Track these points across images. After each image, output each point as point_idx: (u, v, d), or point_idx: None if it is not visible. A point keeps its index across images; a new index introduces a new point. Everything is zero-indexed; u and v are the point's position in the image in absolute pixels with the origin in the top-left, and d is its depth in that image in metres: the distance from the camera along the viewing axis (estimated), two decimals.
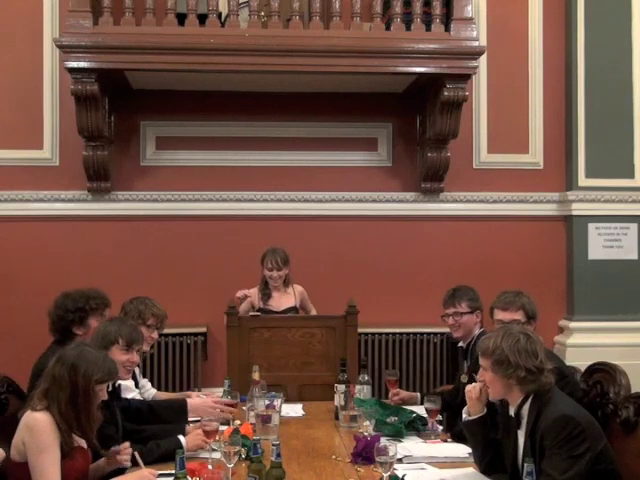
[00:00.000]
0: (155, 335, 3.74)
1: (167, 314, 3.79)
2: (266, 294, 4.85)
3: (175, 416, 3.31)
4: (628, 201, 5.64)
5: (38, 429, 2.44)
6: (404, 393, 3.89)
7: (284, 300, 4.88)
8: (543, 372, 2.66)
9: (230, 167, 5.66)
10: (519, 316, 3.39)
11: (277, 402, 3.42)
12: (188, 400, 3.46)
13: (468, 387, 2.89)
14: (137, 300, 3.72)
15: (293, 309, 4.86)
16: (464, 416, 2.90)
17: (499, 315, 3.48)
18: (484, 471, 2.84)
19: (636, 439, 2.87)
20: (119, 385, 3.10)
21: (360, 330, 4.67)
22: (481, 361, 2.78)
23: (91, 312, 3.45)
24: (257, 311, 4.78)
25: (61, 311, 3.45)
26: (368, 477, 2.78)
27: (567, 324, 5.61)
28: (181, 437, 3.02)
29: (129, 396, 3.40)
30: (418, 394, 3.90)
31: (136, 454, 2.72)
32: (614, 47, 5.59)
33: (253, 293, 4.90)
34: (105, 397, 2.65)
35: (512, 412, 2.75)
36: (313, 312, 4.95)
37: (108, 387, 2.74)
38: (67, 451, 2.51)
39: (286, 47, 4.96)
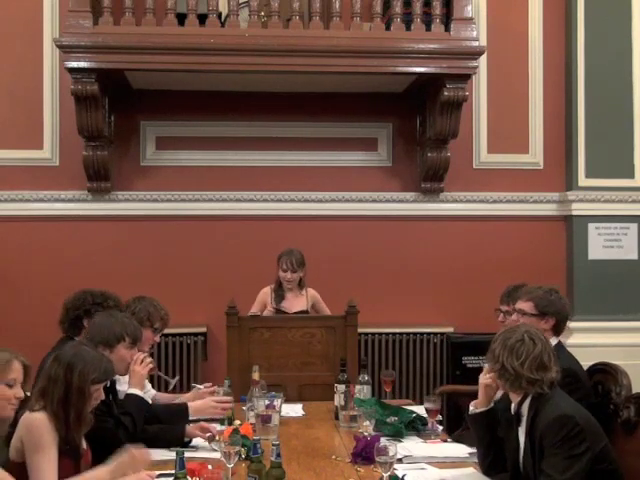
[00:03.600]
0: (157, 338, 3.76)
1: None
2: (280, 295, 4.81)
3: (176, 419, 3.33)
4: (628, 201, 5.64)
5: (35, 429, 2.44)
6: None
7: (296, 302, 4.83)
8: (521, 378, 2.63)
9: (230, 167, 5.66)
10: (527, 307, 3.36)
11: (277, 402, 3.42)
12: (189, 403, 3.47)
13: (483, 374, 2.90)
14: (145, 301, 3.70)
15: (304, 312, 4.80)
16: (471, 408, 2.90)
17: (517, 304, 3.46)
18: (486, 471, 2.83)
19: (637, 439, 2.87)
20: (114, 381, 3.11)
21: (360, 330, 4.68)
22: None
23: (106, 310, 3.42)
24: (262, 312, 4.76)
25: (79, 301, 3.48)
26: (368, 477, 2.78)
27: (567, 324, 5.59)
28: (132, 390, 3.16)
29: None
30: None
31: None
32: (614, 47, 5.59)
33: (267, 292, 4.86)
34: (102, 397, 2.65)
35: (512, 410, 2.75)
36: (327, 313, 4.85)
37: (106, 385, 2.74)
38: (66, 451, 2.50)
39: (286, 47, 4.96)
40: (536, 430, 2.61)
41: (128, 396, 3.15)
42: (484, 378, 2.85)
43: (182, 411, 3.41)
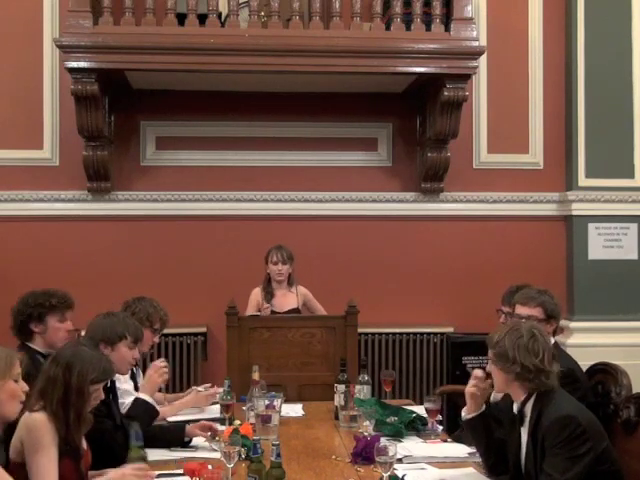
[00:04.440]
0: (157, 339, 3.77)
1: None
2: (269, 293, 4.85)
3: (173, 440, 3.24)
4: (628, 201, 5.64)
5: (35, 429, 2.43)
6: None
7: (287, 300, 4.88)
8: (542, 373, 2.64)
9: (230, 167, 5.66)
10: (537, 313, 3.35)
11: (277, 402, 3.42)
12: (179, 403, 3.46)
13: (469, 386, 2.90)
14: (145, 301, 3.71)
15: (295, 311, 4.85)
16: (463, 414, 2.91)
17: (518, 309, 3.45)
18: (490, 473, 2.83)
19: (637, 439, 2.87)
20: (114, 382, 3.10)
21: (360, 330, 4.68)
22: (489, 352, 2.77)
23: (50, 310, 3.38)
24: (260, 311, 4.78)
25: (21, 305, 3.41)
26: (368, 477, 2.78)
27: (567, 324, 5.61)
28: (142, 395, 3.16)
29: (127, 400, 3.40)
30: None
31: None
32: (614, 47, 5.59)
33: (257, 293, 4.90)
34: (102, 397, 2.64)
35: (515, 409, 2.75)
36: (322, 311, 4.92)
37: (106, 385, 2.74)
38: (66, 451, 2.50)
39: (286, 47, 4.96)
40: (539, 430, 2.61)
41: (137, 400, 3.13)
42: (470, 387, 2.85)
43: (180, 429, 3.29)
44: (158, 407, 3.52)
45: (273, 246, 4.90)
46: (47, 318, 3.38)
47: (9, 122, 5.47)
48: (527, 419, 2.69)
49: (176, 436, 3.12)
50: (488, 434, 2.84)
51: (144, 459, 2.46)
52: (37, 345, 3.37)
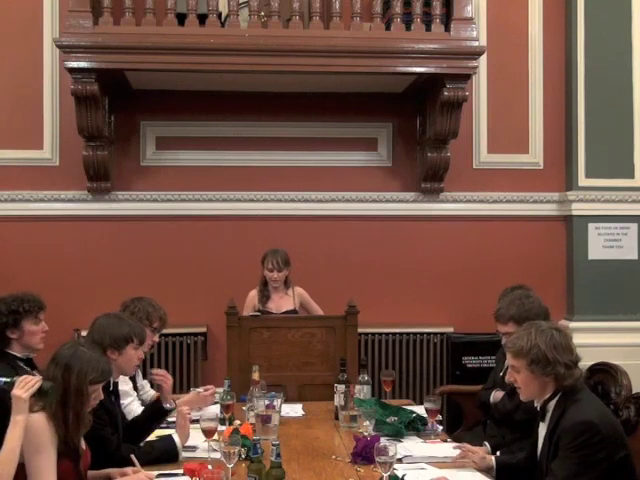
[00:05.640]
0: (156, 338, 3.77)
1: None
2: (265, 295, 4.85)
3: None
4: (628, 201, 5.63)
5: (34, 430, 2.43)
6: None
7: (283, 302, 4.88)
8: (577, 366, 2.64)
9: (230, 167, 5.65)
10: (510, 328, 3.36)
11: (277, 402, 3.42)
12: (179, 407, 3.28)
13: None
14: (143, 301, 3.71)
15: (292, 312, 4.85)
16: (491, 399, 2.91)
17: (497, 327, 3.50)
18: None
19: (637, 439, 2.87)
20: (116, 383, 3.10)
21: (360, 330, 4.68)
22: (513, 362, 2.71)
23: (25, 315, 3.39)
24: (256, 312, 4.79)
25: None
26: (368, 477, 2.78)
27: (567, 324, 5.60)
28: (174, 436, 3.03)
29: (126, 401, 3.39)
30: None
31: (132, 457, 2.72)
32: (614, 47, 5.59)
33: (254, 295, 4.90)
34: (101, 397, 2.64)
35: (537, 405, 2.74)
36: (319, 312, 4.92)
37: (109, 386, 2.73)
38: (64, 452, 2.50)
39: (286, 47, 4.96)
40: (558, 428, 2.60)
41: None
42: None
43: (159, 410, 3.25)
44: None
45: (269, 250, 4.87)
46: (22, 323, 3.39)
47: (9, 122, 5.46)
48: (549, 415, 2.67)
49: (169, 457, 2.99)
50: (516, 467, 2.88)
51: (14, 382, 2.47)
52: (15, 350, 3.38)
